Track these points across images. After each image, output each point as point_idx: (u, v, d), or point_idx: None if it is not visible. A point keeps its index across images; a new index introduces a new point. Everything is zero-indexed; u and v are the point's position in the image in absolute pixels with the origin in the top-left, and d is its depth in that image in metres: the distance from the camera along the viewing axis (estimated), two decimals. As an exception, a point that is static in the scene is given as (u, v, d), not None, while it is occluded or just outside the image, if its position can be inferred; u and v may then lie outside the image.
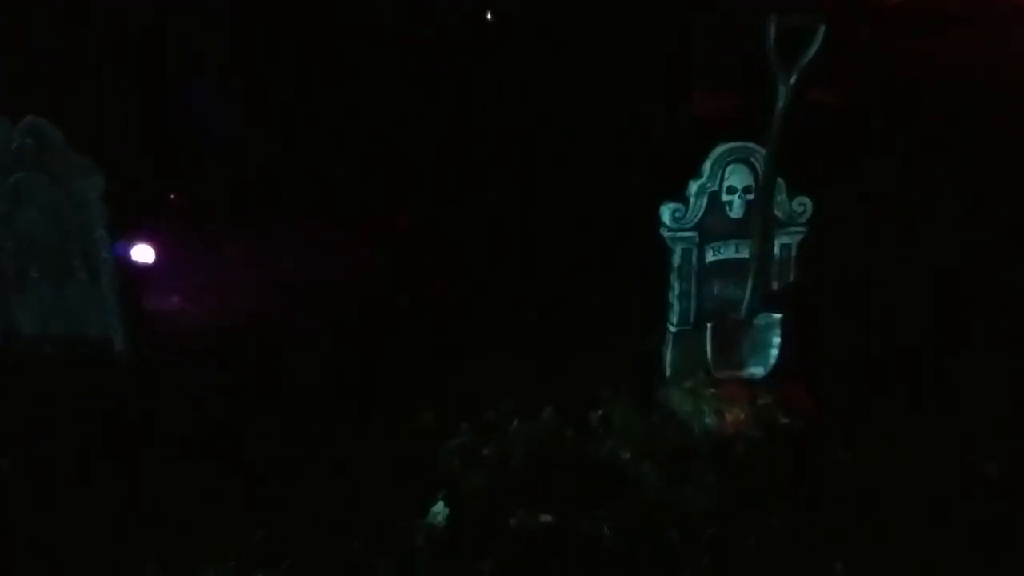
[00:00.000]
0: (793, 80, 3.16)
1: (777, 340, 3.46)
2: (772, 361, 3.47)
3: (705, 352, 3.45)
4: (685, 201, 3.43)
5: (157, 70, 5.24)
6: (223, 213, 5.02)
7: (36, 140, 3.53)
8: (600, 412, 3.36)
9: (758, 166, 3.40)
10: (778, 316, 3.46)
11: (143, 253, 4.27)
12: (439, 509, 2.90)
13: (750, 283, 3.45)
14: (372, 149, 5.53)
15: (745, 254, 3.48)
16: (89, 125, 3.69)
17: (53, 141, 3.54)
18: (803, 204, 3.47)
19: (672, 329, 3.53)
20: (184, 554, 2.71)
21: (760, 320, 3.48)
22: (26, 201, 3.61)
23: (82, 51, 5.01)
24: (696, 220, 3.44)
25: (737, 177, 3.42)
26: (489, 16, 5.78)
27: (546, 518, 2.89)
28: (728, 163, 3.40)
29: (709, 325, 3.44)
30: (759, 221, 3.39)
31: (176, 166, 5.16)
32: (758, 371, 3.48)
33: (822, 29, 3.12)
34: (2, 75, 4.66)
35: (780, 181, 3.43)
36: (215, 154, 5.25)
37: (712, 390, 3.42)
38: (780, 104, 3.19)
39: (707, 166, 3.41)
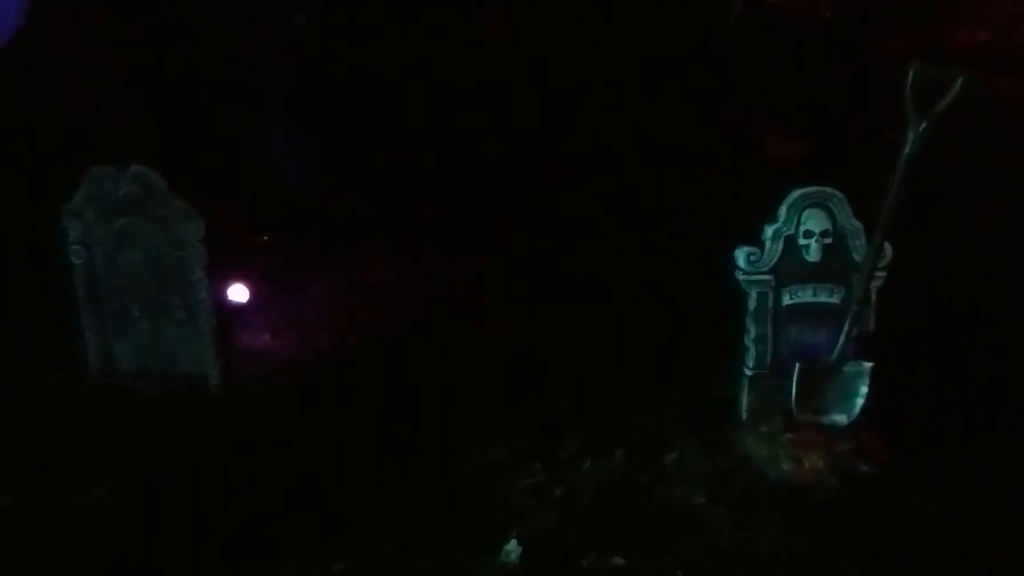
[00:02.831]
0: (923, 128, 3.12)
1: (864, 390, 3.39)
2: (856, 411, 3.40)
3: (782, 397, 3.42)
4: (761, 245, 3.44)
5: (248, 116, 5.49)
6: (311, 254, 5.23)
7: (141, 187, 3.74)
8: (674, 455, 3.37)
9: (835, 210, 3.39)
10: (868, 365, 3.40)
11: (238, 293, 4.49)
12: (512, 548, 2.94)
13: (845, 328, 3.40)
14: (444, 193, 5.66)
15: (823, 298, 3.46)
16: (188, 172, 3.92)
17: (157, 188, 3.75)
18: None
19: (748, 373, 3.51)
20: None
21: (849, 368, 3.43)
22: (129, 244, 3.82)
23: (179, 101, 5.31)
24: (772, 264, 3.43)
25: (814, 221, 3.41)
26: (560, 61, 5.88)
27: (618, 560, 2.90)
28: (804, 207, 3.40)
29: (797, 366, 3.40)
30: (869, 264, 3.34)
31: (268, 210, 5.39)
32: (840, 419, 3.41)
33: (960, 81, 3.05)
34: (109, 127, 4.98)
35: (859, 225, 3.42)
36: (303, 197, 5.48)
37: (789, 436, 3.38)
38: (907, 151, 3.16)
39: (783, 210, 3.41)
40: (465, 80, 5.91)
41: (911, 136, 3.14)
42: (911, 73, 3.12)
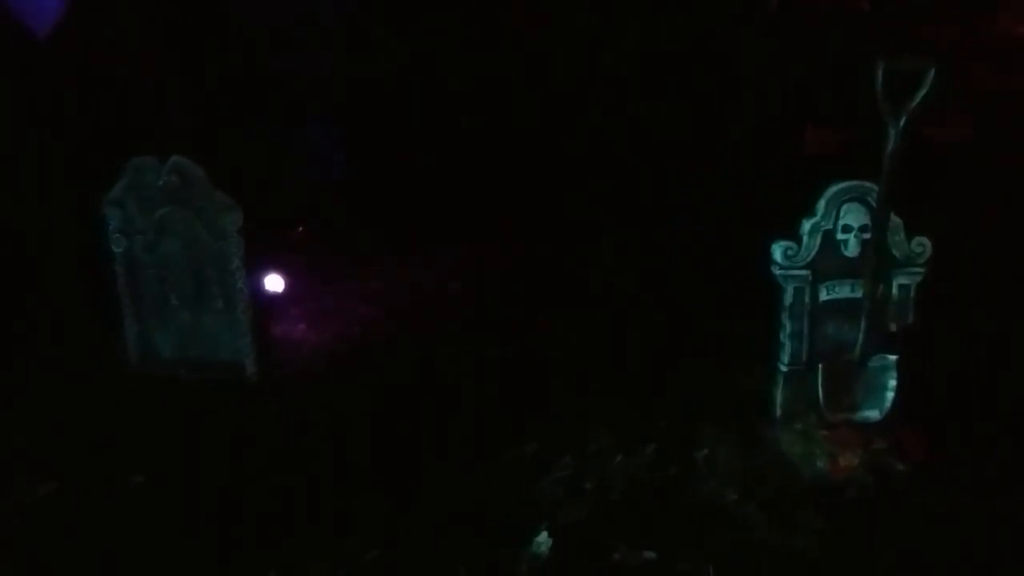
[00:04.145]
0: (902, 123, 3.11)
1: (892, 383, 3.38)
2: (887, 404, 3.39)
3: (817, 393, 3.41)
4: (798, 239, 3.40)
5: (287, 108, 5.54)
6: (346, 246, 5.27)
7: (181, 178, 3.79)
8: (705, 450, 3.36)
9: (875, 205, 3.36)
10: (893, 358, 3.38)
11: (274, 282, 4.54)
12: (543, 539, 2.95)
13: (863, 324, 3.39)
14: (481, 189, 5.68)
15: (860, 294, 3.43)
16: (226, 163, 3.96)
17: (196, 179, 3.80)
18: (922, 244, 3.39)
19: (783, 369, 3.48)
20: (301, 569, 2.85)
21: (874, 362, 3.41)
22: (169, 233, 3.87)
23: (217, 94, 5.38)
24: (809, 259, 3.40)
25: (852, 216, 3.37)
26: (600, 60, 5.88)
27: (650, 555, 2.90)
28: (843, 202, 3.36)
29: (820, 366, 3.39)
30: (871, 262, 3.33)
31: (303, 201, 5.45)
32: (872, 414, 3.40)
33: (932, 73, 3.06)
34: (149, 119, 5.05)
35: (898, 221, 3.37)
36: (337, 189, 5.53)
37: (824, 432, 3.35)
38: (889, 147, 3.15)
39: (821, 204, 3.38)
40: (509, 77, 5.92)
41: (892, 134, 3.12)
42: (879, 70, 3.09)
